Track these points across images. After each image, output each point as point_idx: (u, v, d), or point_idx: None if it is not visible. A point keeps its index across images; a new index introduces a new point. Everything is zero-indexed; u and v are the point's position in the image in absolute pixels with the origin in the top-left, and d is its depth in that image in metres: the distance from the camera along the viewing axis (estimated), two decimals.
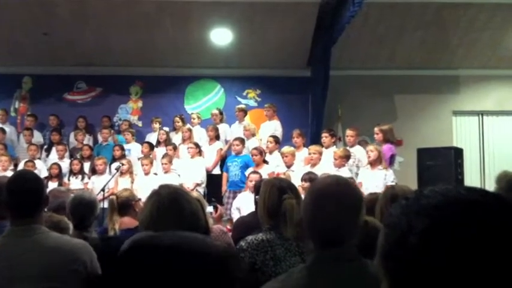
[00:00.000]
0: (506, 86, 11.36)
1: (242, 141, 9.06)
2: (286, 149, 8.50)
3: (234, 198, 8.40)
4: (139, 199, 4.91)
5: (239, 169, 8.67)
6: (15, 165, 9.31)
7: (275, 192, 2.76)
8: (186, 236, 0.96)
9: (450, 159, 7.99)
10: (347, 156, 7.86)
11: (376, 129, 7.99)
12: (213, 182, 9.30)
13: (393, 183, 7.15)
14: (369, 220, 2.45)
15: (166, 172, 8.90)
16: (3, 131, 10.06)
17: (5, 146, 9.61)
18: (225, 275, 0.91)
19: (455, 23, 9.97)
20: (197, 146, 9.21)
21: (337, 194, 1.77)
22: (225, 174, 9.02)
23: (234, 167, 8.75)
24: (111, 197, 4.27)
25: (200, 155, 9.28)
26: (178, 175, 9.07)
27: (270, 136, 9.15)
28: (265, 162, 8.48)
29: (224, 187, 8.92)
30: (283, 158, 8.36)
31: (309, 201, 1.80)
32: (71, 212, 3.67)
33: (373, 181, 7.26)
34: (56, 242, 2.46)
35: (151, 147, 9.64)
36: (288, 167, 8.26)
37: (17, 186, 2.55)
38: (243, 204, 6.65)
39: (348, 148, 8.34)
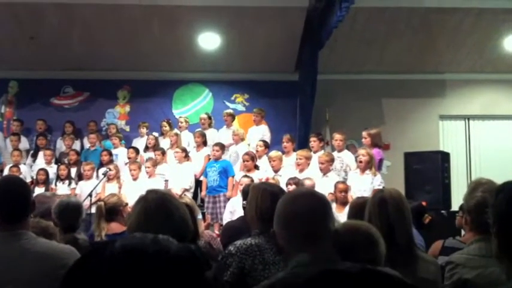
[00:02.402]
0: (492, 90, 11.46)
1: (222, 146, 9.06)
2: (273, 153, 8.49)
3: (213, 203, 8.45)
4: (127, 204, 4.91)
5: (217, 174, 8.68)
6: (1, 171, 9.24)
7: (268, 197, 2.77)
8: (141, 237, 0.93)
9: (437, 163, 8.04)
10: (332, 160, 7.87)
11: (364, 134, 8.01)
12: (202, 188, 9.30)
13: (380, 187, 7.19)
14: (348, 224, 2.46)
15: (150, 176, 8.84)
16: None
17: None
18: (185, 274, 0.88)
19: (442, 28, 10.05)
20: (184, 150, 9.18)
21: (302, 199, 1.81)
22: (204, 179, 8.99)
23: (212, 172, 8.75)
24: (98, 203, 4.26)
25: (188, 159, 9.25)
26: (165, 180, 9.04)
27: (260, 140, 9.15)
28: (256, 167, 8.47)
29: (203, 192, 8.91)
30: (270, 162, 8.35)
31: (278, 211, 1.83)
32: (58, 216, 3.68)
33: (360, 185, 7.27)
34: (43, 247, 2.44)
35: (137, 152, 9.59)
36: (276, 171, 8.25)
37: (3, 192, 2.53)
38: (238, 208, 6.64)
39: (336, 152, 8.36)
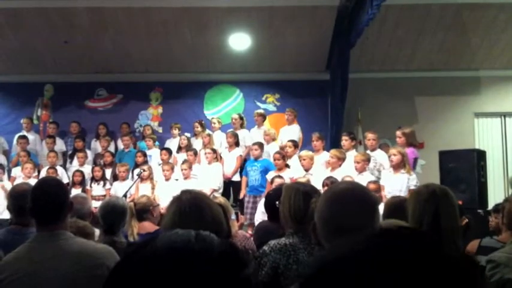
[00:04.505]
0: None
1: (261, 145, 9.05)
2: (304, 152, 8.48)
3: (254, 202, 8.41)
4: (158, 204, 5.03)
5: (259, 174, 8.66)
6: (39, 172, 9.44)
7: (301, 197, 2.76)
8: (184, 234, 0.91)
9: (473, 161, 7.87)
10: (368, 159, 7.81)
11: (398, 133, 7.89)
12: (234, 188, 9.31)
13: (416, 187, 7.08)
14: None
15: (186, 178, 8.92)
16: (27, 138, 10.19)
17: (28, 153, 9.74)
18: (230, 271, 0.86)
19: (475, 24, 9.87)
20: (214, 151, 9.23)
21: (352, 197, 1.80)
22: (244, 178, 9.01)
23: (254, 172, 8.74)
24: (129, 203, 4.39)
25: (217, 160, 9.29)
26: (197, 180, 9.09)
27: (289, 141, 9.14)
28: (287, 166, 8.46)
29: (243, 191, 8.91)
30: (300, 161, 8.32)
31: (324, 205, 1.81)
32: (102, 216, 3.74)
33: (395, 185, 7.17)
34: (80, 247, 2.48)
35: (170, 153, 9.68)
36: (306, 170, 8.23)
37: (42, 193, 2.59)
38: None
39: (368, 152, 8.29)
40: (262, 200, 7.60)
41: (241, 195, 8.96)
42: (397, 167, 7.36)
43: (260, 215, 7.16)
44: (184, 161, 9.11)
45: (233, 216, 4.96)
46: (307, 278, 0.79)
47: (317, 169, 8.27)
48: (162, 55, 10.68)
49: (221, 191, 9.04)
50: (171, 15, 9.67)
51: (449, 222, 2.56)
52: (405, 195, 6.05)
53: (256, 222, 7.02)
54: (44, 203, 2.53)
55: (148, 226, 4.35)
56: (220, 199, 4.14)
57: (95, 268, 2.39)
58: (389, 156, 7.55)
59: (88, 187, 9.23)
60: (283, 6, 9.39)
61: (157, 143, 10.50)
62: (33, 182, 5.14)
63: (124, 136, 10.45)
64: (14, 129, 10.91)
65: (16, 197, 3.36)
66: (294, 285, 1.79)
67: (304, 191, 2.81)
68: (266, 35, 10.13)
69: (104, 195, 8.96)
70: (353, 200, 1.78)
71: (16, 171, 9.43)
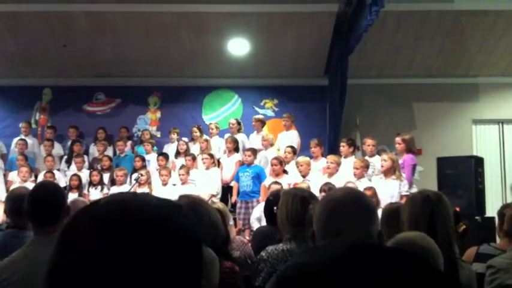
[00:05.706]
0: None
1: (254, 151, 9.06)
2: (301, 158, 8.47)
3: (246, 208, 8.44)
4: None
5: (251, 179, 8.67)
6: (36, 177, 9.42)
7: (298, 202, 2.76)
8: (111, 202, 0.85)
9: (470, 168, 7.89)
10: (367, 166, 7.80)
11: (398, 139, 7.88)
12: (232, 194, 9.30)
13: (408, 193, 7.06)
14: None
15: (183, 183, 8.90)
16: (25, 142, 10.18)
17: (26, 157, 9.72)
18: (169, 231, 0.82)
19: (474, 31, 9.89)
20: (212, 157, 9.22)
21: (350, 202, 1.80)
22: (235, 184, 9.01)
23: (245, 178, 8.75)
24: None
25: (215, 165, 9.28)
26: (195, 186, 9.08)
27: (287, 147, 9.14)
28: (285, 172, 8.46)
29: (234, 197, 8.91)
30: (298, 167, 8.31)
31: (322, 211, 1.81)
32: None
33: (387, 191, 7.13)
34: None
35: (167, 158, 9.67)
36: (304, 176, 8.21)
37: (39, 197, 2.59)
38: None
39: (367, 157, 8.27)
40: (256, 205, 7.62)
41: (232, 200, 8.96)
42: (387, 172, 7.35)
43: (255, 221, 7.15)
44: (182, 166, 9.10)
45: (231, 222, 4.95)
46: (281, 278, 0.78)
47: (315, 175, 8.25)
48: (160, 59, 10.68)
49: (219, 196, 9.04)
50: (170, 20, 9.68)
51: (444, 228, 2.56)
52: (397, 201, 6.05)
53: (252, 227, 7.00)
54: (42, 207, 2.53)
55: None
56: (219, 204, 4.13)
57: None
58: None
59: (85, 191, 9.21)
60: (282, 12, 9.40)
61: (155, 148, 10.48)
62: (30, 186, 5.13)
63: (118, 141, 10.43)
64: (12, 133, 10.89)
65: (14, 201, 3.35)
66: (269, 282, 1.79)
67: (301, 196, 2.82)
68: (265, 40, 10.15)
69: None
70: (351, 205, 1.78)
71: (13, 176, 9.42)
